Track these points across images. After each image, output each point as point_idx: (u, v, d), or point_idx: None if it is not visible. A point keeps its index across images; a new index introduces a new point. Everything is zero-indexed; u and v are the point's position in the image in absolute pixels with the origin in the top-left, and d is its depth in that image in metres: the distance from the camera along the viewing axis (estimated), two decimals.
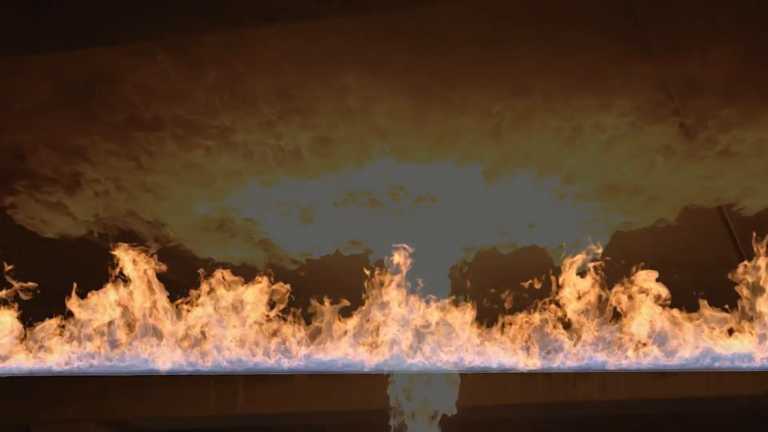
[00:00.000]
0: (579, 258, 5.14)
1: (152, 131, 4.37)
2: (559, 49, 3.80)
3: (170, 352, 5.38)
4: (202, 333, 5.38)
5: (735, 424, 11.30)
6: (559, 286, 5.21)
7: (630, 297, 5.20)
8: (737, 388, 8.01)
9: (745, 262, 5.04)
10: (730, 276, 5.08)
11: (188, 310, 5.38)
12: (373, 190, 4.85)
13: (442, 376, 5.37)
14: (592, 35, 3.75)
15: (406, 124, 4.29)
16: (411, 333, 5.19)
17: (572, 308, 5.20)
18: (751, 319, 5.08)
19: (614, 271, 5.21)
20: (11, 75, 4.12)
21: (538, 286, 5.35)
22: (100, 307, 5.37)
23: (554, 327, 5.28)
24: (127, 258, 5.31)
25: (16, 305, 5.51)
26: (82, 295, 5.40)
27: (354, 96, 4.09)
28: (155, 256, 5.34)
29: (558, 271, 5.23)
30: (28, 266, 5.52)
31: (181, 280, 5.54)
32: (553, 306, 5.28)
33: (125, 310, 5.39)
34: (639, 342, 5.19)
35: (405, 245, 5.14)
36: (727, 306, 5.18)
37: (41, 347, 5.48)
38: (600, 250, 5.10)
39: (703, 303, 5.21)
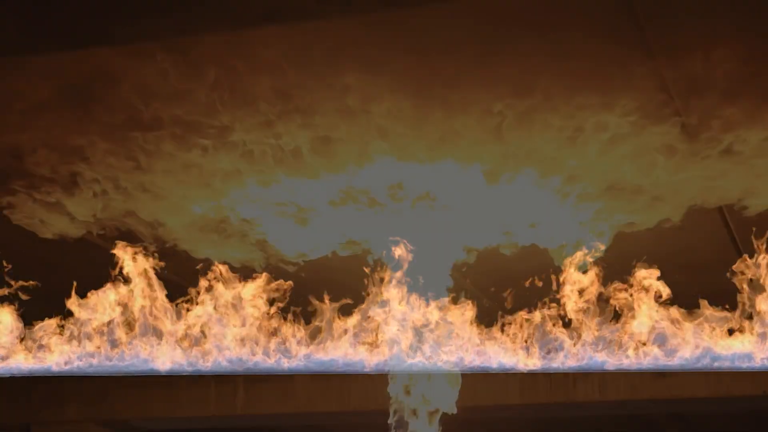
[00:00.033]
0: (580, 258, 5.14)
1: (151, 131, 4.36)
2: (561, 48, 3.80)
3: (170, 351, 5.38)
4: (202, 332, 5.39)
5: (735, 424, 11.30)
6: (560, 286, 5.21)
7: (630, 296, 5.20)
8: (737, 388, 8.02)
9: (745, 257, 5.04)
10: (729, 274, 5.08)
11: (188, 309, 5.38)
12: (373, 189, 4.85)
13: (443, 375, 5.36)
14: (593, 35, 3.75)
15: (407, 123, 4.28)
16: (411, 333, 5.19)
17: (573, 308, 5.20)
18: (750, 317, 5.08)
19: (615, 271, 5.21)
20: (11, 75, 4.11)
21: (538, 285, 5.35)
22: (99, 307, 5.37)
23: (554, 327, 5.28)
24: (126, 257, 5.31)
25: (15, 305, 5.51)
26: (82, 295, 5.40)
27: (354, 95, 4.09)
28: (154, 255, 5.34)
29: (559, 271, 5.23)
30: (27, 266, 5.52)
31: (180, 280, 5.55)
32: (553, 306, 5.28)
33: (125, 310, 5.39)
34: (639, 342, 5.19)
35: (405, 244, 5.14)
36: (727, 306, 5.18)
37: (41, 347, 5.48)
38: (602, 248, 5.10)
39: (704, 303, 5.21)
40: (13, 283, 5.45)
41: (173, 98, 4.13)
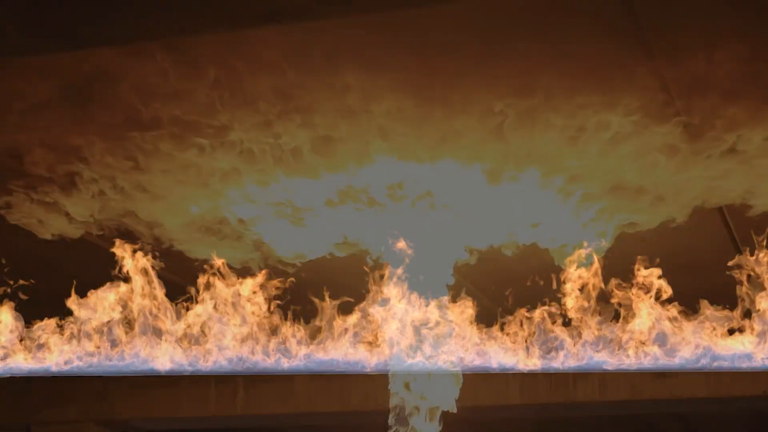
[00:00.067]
0: (581, 258, 5.14)
1: (151, 131, 4.36)
2: (561, 48, 3.80)
3: (170, 351, 5.38)
4: (202, 331, 5.38)
5: (735, 424, 11.30)
6: (561, 286, 5.21)
7: (631, 296, 5.20)
8: (738, 388, 8.01)
9: (746, 253, 5.03)
10: (728, 271, 5.08)
11: (187, 308, 5.38)
12: (374, 189, 4.84)
13: (444, 374, 5.36)
14: (593, 35, 3.74)
15: (408, 123, 4.28)
16: (411, 332, 5.19)
17: (573, 308, 5.20)
18: (749, 313, 5.08)
19: (616, 271, 5.21)
20: (11, 75, 4.11)
21: (539, 285, 5.35)
22: (99, 307, 5.37)
23: (555, 326, 5.28)
24: (125, 257, 5.31)
25: (14, 304, 5.51)
26: (81, 295, 5.40)
27: (355, 95, 4.09)
28: (153, 255, 5.34)
29: (559, 271, 5.23)
30: (25, 266, 5.52)
31: (179, 279, 5.54)
32: (553, 306, 5.28)
33: (125, 309, 5.39)
34: (639, 342, 5.19)
35: (405, 244, 5.14)
36: (727, 306, 5.18)
37: (41, 347, 5.48)
38: (603, 249, 5.10)
39: (704, 303, 5.22)
40: (11, 282, 5.45)
41: (173, 98, 4.13)
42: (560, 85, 4.01)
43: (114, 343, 5.40)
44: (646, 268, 5.15)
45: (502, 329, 5.36)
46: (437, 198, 4.89)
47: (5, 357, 5.49)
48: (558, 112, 4.17)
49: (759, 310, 5.07)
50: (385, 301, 5.20)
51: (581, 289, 5.17)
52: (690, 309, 5.26)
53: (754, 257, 5.03)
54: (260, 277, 5.40)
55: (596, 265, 5.14)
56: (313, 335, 5.44)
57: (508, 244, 5.24)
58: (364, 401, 8.42)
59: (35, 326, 5.50)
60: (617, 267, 5.20)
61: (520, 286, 5.64)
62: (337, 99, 4.12)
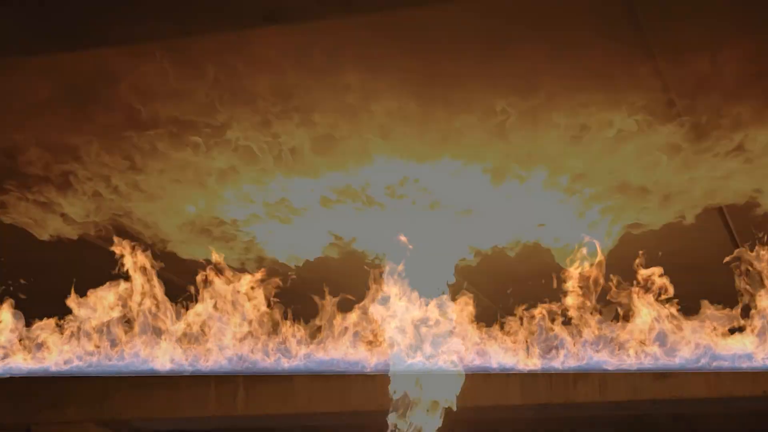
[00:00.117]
0: (583, 258, 5.13)
1: (150, 131, 4.36)
2: (563, 48, 3.80)
3: (170, 350, 5.38)
4: (202, 330, 5.38)
5: (735, 424, 11.29)
6: (562, 286, 5.21)
7: (631, 296, 5.19)
8: (738, 388, 8.01)
9: (745, 248, 5.03)
10: (728, 264, 5.08)
11: (186, 308, 5.38)
12: (374, 189, 4.84)
13: (444, 374, 5.36)
14: (596, 35, 3.74)
15: (409, 122, 4.28)
16: (411, 332, 5.19)
17: (574, 308, 5.20)
18: (747, 309, 5.08)
19: (617, 271, 5.21)
20: (10, 75, 4.11)
21: (540, 285, 5.35)
22: (99, 306, 5.37)
23: (555, 326, 5.28)
24: (124, 257, 5.30)
25: (13, 304, 5.51)
26: (80, 295, 5.40)
27: (356, 94, 4.09)
28: (152, 255, 5.34)
29: (561, 271, 5.22)
30: (25, 266, 5.52)
31: (178, 279, 5.54)
32: (554, 306, 5.28)
33: (124, 309, 5.39)
34: (639, 342, 5.19)
35: (406, 244, 5.13)
36: (728, 306, 5.18)
37: (41, 347, 5.48)
38: (606, 249, 5.09)
39: (704, 303, 5.21)
40: (10, 282, 5.45)
41: (172, 98, 4.13)
42: (562, 84, 4.01)
43: (114, 343, 5.40)
44: (646, 267, 5.15)
45: (502, 329, 5.36)
46: (438, 198, 4.89)
47: (5, 357, 5.49)
48: (560, 112, 4.16)
49: (759, 309, 5.07)
50: (385, 300, 5.20)
51: (582, 289, 5.17)
52: (690, 309, 5.26)
53: (754, 253, 5.03)
54: (259, 276, 5.40)
55: (598, 265, 5.13)
56: (313, 335, 5.44)
57: (510, 244, 5.24)
58: (364, 401, 8.42)
59: (34, 326, 5.50)
60: (618, 267, 5.20)
61: (521, 285, 5.63)
62: (337, 98, 4.12)
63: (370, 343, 5.35)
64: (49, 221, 5.07)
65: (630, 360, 5.21)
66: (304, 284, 5.40)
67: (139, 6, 3.63)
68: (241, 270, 5.48)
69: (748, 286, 5.04)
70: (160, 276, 5.41)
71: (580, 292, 5.18)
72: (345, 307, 5.41)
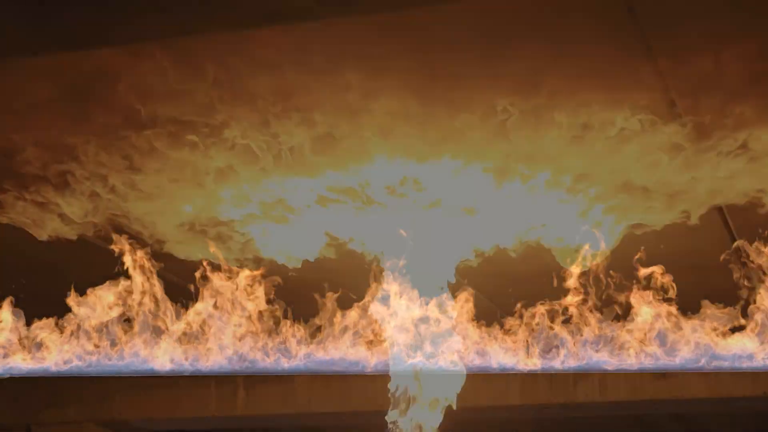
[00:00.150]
0: (583, 258, 5.13)
1: (148, 131, 4.36)
2: (565, 48, 3.79)
3: (170, 350, 5.37)
4: (202, 329, 5.38)
5: (735, 424, 11.29)
6: (562, 286, 5.20)
7: (632, 297, 5.19)
8: (737, 388, 8.01)
9: (744, 244, 5.03)
10: (726, 258, 5.08)
11: (185, 307, 5.37)
12: (375, 188, 4.84)
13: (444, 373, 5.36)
14: (597, 34, 3.74)
15: (410, 122, 4.27)
16: (412, 333, 5.19)
17: (574, 308, 5.20)
18: (746, 307, 5.08)
19: (618, 271, 5.20)
20: (10, 75, 4.11)
21: (541, 285, 5.34)
22: (98, 306, 5.37)
23: (556, 326, 5.28)
24: (123, 256, 5.30)
25: (13, 303, 5.51)
26: (80, 294, 5.40)
27: (356, 94, 4.09)
28: (151, 254, 5.33)
29: (560, 271, 5.22)
30: (24, 266, 5.51)
31: (178, 279, 5.54)
32: (554, 306, 5.27)
33: (124, 309, 5.38)
34: (639, 342, 5.18)
35: (406, 243, 5.13)
36: (729, 307, 5.17)
37: (40, 347, 5.47)
38: (606, 250, 5.09)
39: (705, 303, 5.21)
40: (10, 282, 5.45)
41: (172, 97, 4.12)
42: (564, 83, 4.00)
43: (114, 343, 5.40)
44: (647, 267, 5.15)
45: (502, 329, 5.35)
46: (438, 197, 4.89)
47: (5, 357, 5.49)
48: (562, 111, 4.16)
49: (759, 308, 5.06)
50: (385, 300, 5.20)
51: (582, 289, 5.17)
52: (691, 309, 5.25)
53: (753, 249, 5.02)
54: (259, 276, 5.39)
55: (598, 265, 5.13)
56: (314, 334, 5.43)
57: (511, 244, 5.23)
58: (365, 401, 8.41)
59: (34, 326, 5.49)
60: (619, 267, 5.19)
61: (521, 285, 5.63)
62: (337, 98, 4.12)
63: (370, 342, 5.35)
64: (47, 221, 5.06)
65: (630, 360, 5.21)
66: (304, 284, 5.39)
67: (139, 6, 3.63)
68: (240, 270, 5.47)
69: (746, 281, 5.03)
70: (159, 275, 5.41)
71: (581, 292, 5.18)
72: (345, 307, 5.41)
